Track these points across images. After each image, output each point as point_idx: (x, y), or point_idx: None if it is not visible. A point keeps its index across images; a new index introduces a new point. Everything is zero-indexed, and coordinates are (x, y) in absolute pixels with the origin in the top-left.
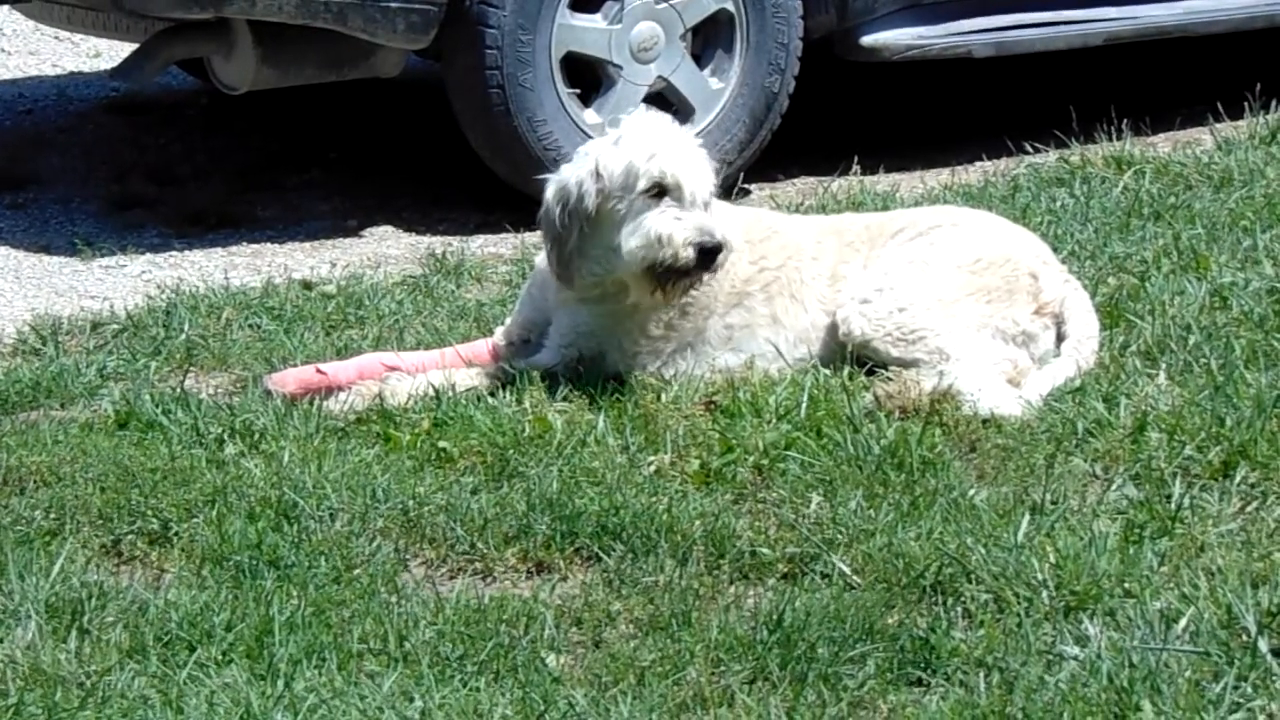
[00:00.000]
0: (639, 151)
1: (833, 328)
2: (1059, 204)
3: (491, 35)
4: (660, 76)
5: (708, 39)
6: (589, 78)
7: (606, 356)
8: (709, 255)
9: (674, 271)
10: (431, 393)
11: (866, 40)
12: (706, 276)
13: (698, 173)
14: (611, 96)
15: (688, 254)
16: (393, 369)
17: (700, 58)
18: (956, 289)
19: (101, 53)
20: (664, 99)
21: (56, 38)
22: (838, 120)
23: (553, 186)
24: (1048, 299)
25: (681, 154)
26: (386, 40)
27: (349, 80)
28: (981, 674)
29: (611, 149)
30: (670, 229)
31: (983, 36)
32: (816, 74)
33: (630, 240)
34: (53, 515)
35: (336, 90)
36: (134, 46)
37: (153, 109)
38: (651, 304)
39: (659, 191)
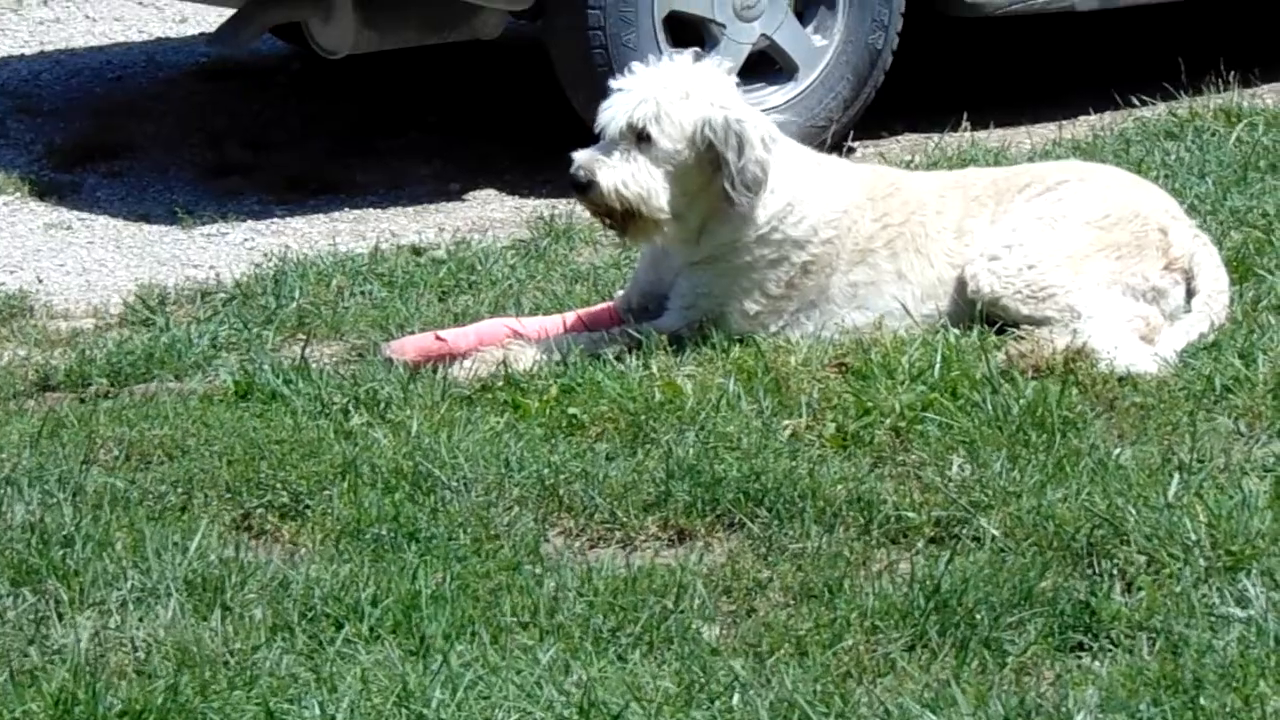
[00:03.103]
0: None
1: (960, 283)
2: (1173, 157)
3: None
4: (763, 34)
5: None
6: (692, 36)
7: (728, 318)
8: (577, 188)
9: None
10: (558, 358)
11: None
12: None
13: (612, 112)
14: (715, 55)
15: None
16: (515, 335)
17: (803, 15)
18: (1086, 245)
19: (188, 18)
20: (767, 57)
21: (141, 3)
22: (943, 76)
23: None
24: (1177, 254)
25: (620, 98)
26: (488, 1)
27: (442, 44)
28: (1145, 637)
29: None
30: (576, 155)
31: None
32: (921, 30)
33: None
34: (180, 490)
35: (425, 54)
36: (222, 12)
37: (243, 75)
38: None
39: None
